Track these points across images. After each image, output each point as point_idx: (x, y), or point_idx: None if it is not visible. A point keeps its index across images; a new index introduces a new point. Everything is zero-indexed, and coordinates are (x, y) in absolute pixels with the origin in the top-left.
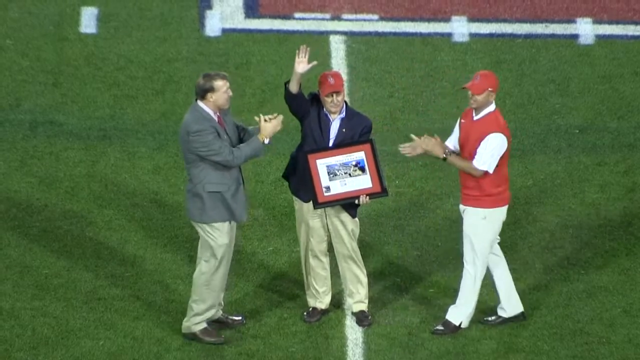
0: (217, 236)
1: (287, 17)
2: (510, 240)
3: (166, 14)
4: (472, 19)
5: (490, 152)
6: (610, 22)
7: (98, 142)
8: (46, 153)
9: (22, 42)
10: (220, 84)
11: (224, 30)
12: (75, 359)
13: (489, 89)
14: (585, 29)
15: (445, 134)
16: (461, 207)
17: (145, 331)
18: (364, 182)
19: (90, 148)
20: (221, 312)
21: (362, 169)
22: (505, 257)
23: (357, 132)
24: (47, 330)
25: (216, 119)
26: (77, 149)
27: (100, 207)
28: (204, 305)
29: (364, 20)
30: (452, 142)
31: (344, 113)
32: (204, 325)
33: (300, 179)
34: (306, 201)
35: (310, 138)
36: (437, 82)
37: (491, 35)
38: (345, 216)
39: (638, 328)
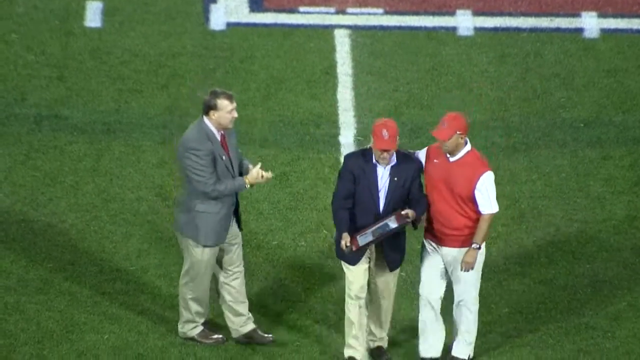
0: (200, 254)
1: (291, 10)
2: (515, 235)
3: (171, 8)
4: (477, 13)
5: (492, 192)
6: (615, 16)
7: (103, 136)
8: (51, 147)
9: (28, 37)
10: (225, 104)
11: (229, 24)
12: (80, 353)
13: (457, 132)
14: (590, 23)
15: None
16: (451, 251)
17: (150, 325)
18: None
19: (95, 142)
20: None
21: (381, 234)
22: (511, 251)
23: (409, 178)
24: (52, 325)
25: (219, 138)
26: (82, 142)
27: (104, 201)
28: (190, 314)
29: (369, 14)
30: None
31: (395, 160)
32: (200, 328)
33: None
34: (353, 264)
35: (360, 197)
36: (442, 76)
37: (496, 29)
38: (390, 274)
39: None
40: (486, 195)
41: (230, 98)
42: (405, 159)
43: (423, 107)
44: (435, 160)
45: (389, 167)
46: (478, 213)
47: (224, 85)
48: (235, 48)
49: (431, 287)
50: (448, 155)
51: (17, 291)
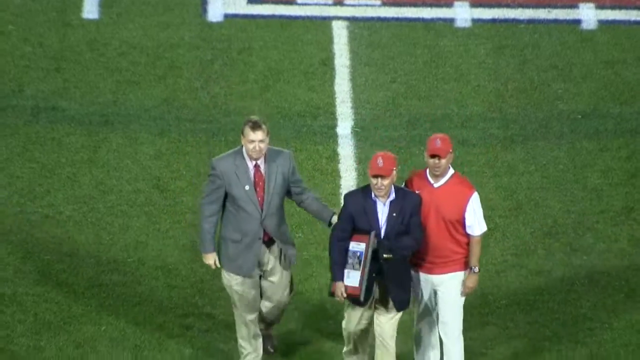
0: (226, 279)
1: (289, 2)
2: (512, 226)
3: (168, 0)
4: (475, 4)
5: (480, 213)
6: (612, 7)
7: (100, 128)
8: (48, 139)
9: (25, 28)
10: (246, 132)
11: (227, 16)
12: (77, 345)
13: (450, 150)
14: (588, 14)
15: (448, 119)
16: (440, 277)
17: (147, 317)
18: (354, 278)
19: (92, 134)
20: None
21: (360, 263)
22: (508, 243)
23: (407, 214)
24: (49, 316)
25: (250, 166)
26: (79, 134)
27: (102, 193)
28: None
29: (367, 5)
30: None
31: (393, 195)
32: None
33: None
34: (362, 305)
35: (358, 230)
36: (439, 68)
37: (494, 20)
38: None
39: None
40: (475, 217)
41: (253, 127)
42: (404, 194)
43: (421, 99)
44: (417, 191)
45: (388, 202)
46: (466, 236)
47: (221, 76)
48: (232, 39)
49: (426, 320)
50: (432, 182)
51: (14, 282)
